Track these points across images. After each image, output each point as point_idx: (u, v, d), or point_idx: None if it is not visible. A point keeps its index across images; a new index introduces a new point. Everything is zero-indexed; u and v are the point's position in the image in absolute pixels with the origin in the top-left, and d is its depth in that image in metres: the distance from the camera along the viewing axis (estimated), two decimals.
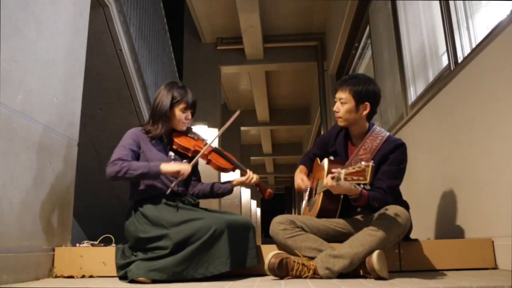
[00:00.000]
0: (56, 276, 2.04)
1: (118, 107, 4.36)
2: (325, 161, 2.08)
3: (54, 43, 2.19)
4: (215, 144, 2.21)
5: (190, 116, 2.15)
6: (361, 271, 1.77)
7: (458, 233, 2.32)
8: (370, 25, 4.65)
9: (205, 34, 7.50)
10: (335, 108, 2.04)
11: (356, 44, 5.52)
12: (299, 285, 1.58)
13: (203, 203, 2.19)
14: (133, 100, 4.32)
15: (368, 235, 1.77)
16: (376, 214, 1.87)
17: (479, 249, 2.03)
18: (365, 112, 2.00)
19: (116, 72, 4.06)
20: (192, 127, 2.24)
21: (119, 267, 1.90)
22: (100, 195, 4.73)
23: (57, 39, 2.23)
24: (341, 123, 2.06)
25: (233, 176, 2.37)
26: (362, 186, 1.74)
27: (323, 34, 7.36)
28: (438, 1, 2.71)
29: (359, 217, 2.02)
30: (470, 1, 2.47)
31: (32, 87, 1.97)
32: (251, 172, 2.15)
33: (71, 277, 2.03)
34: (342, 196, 1.98)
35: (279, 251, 1.87)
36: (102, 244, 2.22)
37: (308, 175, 2.27)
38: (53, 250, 2.08)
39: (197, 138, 2.18)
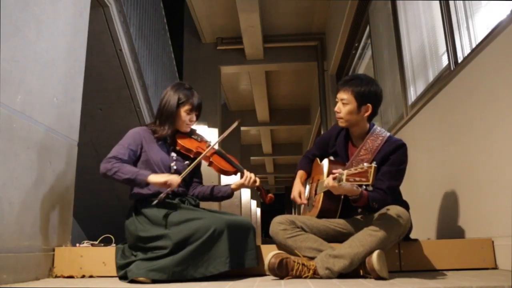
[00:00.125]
0: (56, 276, 2.04)
1: (118, 107, 4.36)
2: (326, 161, 2.07)
3: (54, 43, 2.19)
4: (217, 146, 2.21)
5: (194, 118, 2.15)
6: (361, 271, 1.77)
7: (458, 233, 2.32)
8: (370, 25, 4.65)
9: (205, 34, 7.50)
10: (336, 109, 2.03)
11: (356, 44, 5.52)
12: (299, 285, 1.58)
13: (203, 204, 2.19)
14: (133, 100, 4.32)
15: (368, 235, 1.77)
16: (376, 214, 1.87)
17: (479, 249, 2.03)
18: (366, 114, 1.99)
19: (116, 72, 4.06)
20: (193, 127, 2.24)
21: (119, 267, 1.90)
22: (100, 195, 4.72)
23: (57, 39, 2.23)
24: (342, 123, 2.05)
25: (233, 179, 2.36)
26: (364, 187, 1.74)
27: (323, 34, 7.36)
28: (438, 1, 2.71)
29: (359, 217, 2.02)
30: (470, 1, 2.47)
31: (32, 87, 1.97)
32: (247, 172, 2.14)
33: (71, 277, 2.03)
34: (342, 197, 1.97)
35: (279, 251, 1.87)
36: (102, 244, 2.22)
37: (307, 178, 2.27)
38: (53, 250, 2.08)
39: (201, 140, 2.18)
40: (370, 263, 1.71)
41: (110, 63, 3.99)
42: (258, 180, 2.13)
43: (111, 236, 2.24)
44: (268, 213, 17.59)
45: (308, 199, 2.22)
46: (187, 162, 2.10)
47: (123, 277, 1.85)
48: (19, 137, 1.85)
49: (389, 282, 1.60)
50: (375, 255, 1.70)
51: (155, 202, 1.92)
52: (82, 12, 2.54)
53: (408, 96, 3.37)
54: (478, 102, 2.18)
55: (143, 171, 1.95)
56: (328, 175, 1.86)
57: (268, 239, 8.10)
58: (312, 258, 1.84)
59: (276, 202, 2.33)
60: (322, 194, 2.00)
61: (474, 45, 2.33)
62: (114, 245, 2.16)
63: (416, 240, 2.08)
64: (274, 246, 2.02)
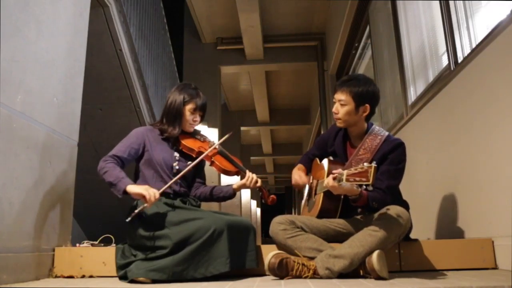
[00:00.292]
0: (56, 276, 2.04)
1: (118, 107, 4.36)
2: (325, 161, 2.07)
3: (54, 43, 2.19)
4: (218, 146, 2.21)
5: (198, 118, 2.14)
6: (361, 271, 1.77)
7: (458, 233, 2.32)
8: (370, 25, 4.65)
9: (205, 34, 7.50)
10: (334, 110, 2.02)
11: (356, 44, 5.52)
12: (299, 285, 1.58)
13: (203, 204, 2.19)
14: (133, 100, 4.32)
15: (368, 235, 1.77)
16: (376, 214, 1.87)
17: (479, 249, 2.03)
18: (364, 114, 1.99)
19: (116, 72, 4.06)
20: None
21: (119, 267, 1.90)
22: (100, 195, 4.70)
23: (57, 39, 2.23)
24: (340, 124, 2.04)
25: (234, 180, 2.36)
26: (364, 187, 1.73)
27: (323, 34, 7.36)
28: (438, 1, 2.71)
29: (359, 217, 2.02)
30: (470, 1, 2.47)
31: (32, 87, 1.97)
32: (249, 172, 2.14)
33: (71, 277, 2.03)
34: (342, 197, 1.97)
35: (279, 251, 1.87)
36: (102, 244, 2.22)
37: (306, 175, 2.26)
38: (53, 250, 2.08)
39: (203, 140, 2.17)
40: (370, 263, 1.71)
41: (110, 63, 3.99)
42: (259, 180, 2.13)
43: (111, 236, 2.24)
44: (268, 213, 17.60)
45: (308, 199, 2.22)
46: (189, 162, 2.10)
47: (123, 277, 1.85)
48: (19, 137, 1.85)
49: (389, 282, 1.60)
50: (375, 255, 1.70)
51: (128, 219, 1.88)
52: (82, 12, 2.54)
53: (408, 96, 3.37)
54: (478, 102, 2.18)
55: (127, 179, 1.90)
56: (328, 175, 1.86)
57: (268, 239, 8.11)
58: (312, 258, 1.84)
59: (276, 202, 2.32)
60: (322, 194, 2.00)
61: (474, 45, 2.33)
62: (114, 245, 2.16)
63: (416, 240, 2.08)
64: (274, 246, 2.01)
